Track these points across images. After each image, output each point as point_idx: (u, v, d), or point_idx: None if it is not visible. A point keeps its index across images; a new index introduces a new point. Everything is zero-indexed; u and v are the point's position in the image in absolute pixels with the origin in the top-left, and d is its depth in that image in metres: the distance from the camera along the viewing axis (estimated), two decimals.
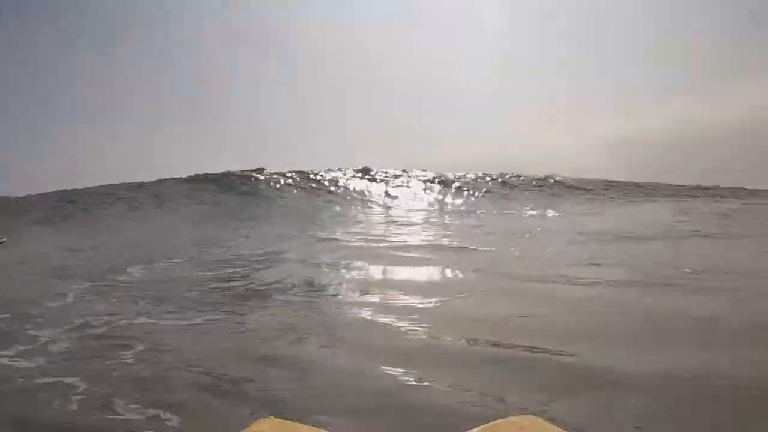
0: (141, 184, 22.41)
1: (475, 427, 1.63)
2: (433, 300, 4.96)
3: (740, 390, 2.66)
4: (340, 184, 24.01)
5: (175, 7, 76.63)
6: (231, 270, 7.15)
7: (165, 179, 23.01)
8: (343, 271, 6.93)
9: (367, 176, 25.88)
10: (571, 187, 24.60)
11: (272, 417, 1.95)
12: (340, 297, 5.41)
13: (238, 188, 21.92)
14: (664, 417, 2.41)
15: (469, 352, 3.54)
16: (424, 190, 24.59)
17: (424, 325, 4.10)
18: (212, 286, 6.14)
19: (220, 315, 4.77)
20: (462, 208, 20.23)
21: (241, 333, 4.20)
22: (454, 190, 23.94)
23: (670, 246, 8.42)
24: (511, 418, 1.56)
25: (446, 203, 21.77)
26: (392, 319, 4.29)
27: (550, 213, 16.68)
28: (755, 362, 3.04)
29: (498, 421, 1.57)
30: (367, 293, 5.44)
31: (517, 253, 7.95)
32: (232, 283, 6.24)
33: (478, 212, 18.02)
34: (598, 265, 6.71)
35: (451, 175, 26.30)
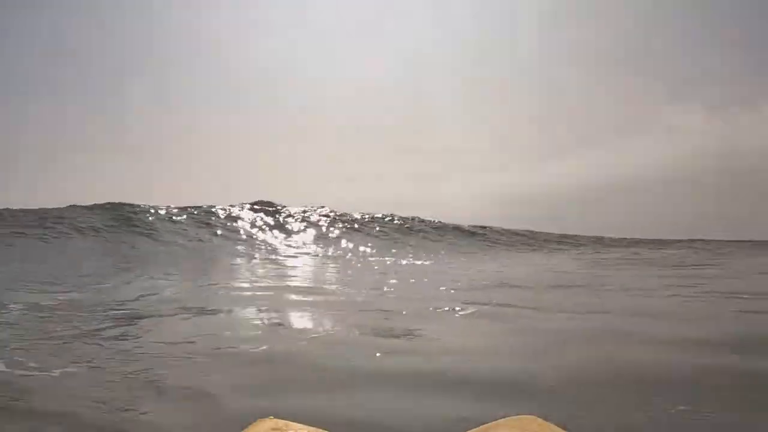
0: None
1: (476, 427, 1.74)
2: None
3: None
4: (237, 221, 24.58)
5: None
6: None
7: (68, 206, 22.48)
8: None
9: (266, 211, 26.27)
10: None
11: (272, 417, 1.99)
12: None
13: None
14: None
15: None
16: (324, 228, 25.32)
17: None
18: None
19: None
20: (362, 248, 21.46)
21: None
22: (356, 230, 25.17)
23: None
24: (511, 418, 1.66)
25: (346, 244, 22.79)
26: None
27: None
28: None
29: (498, 420, 1.67)
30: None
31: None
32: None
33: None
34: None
35: (357, 215, 27.39)
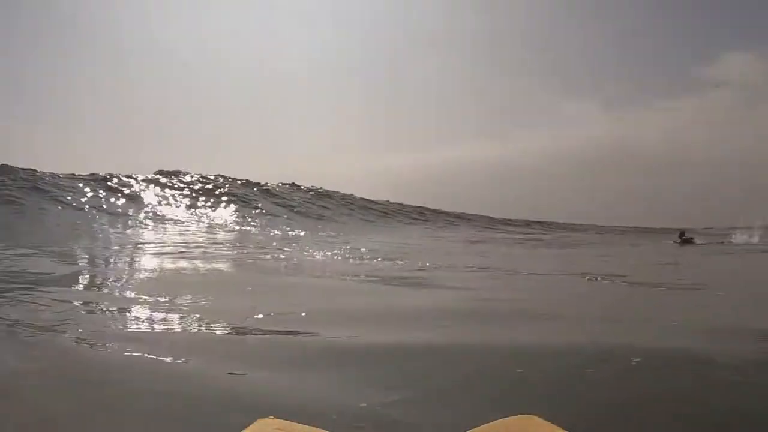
0: None
1: (475, 427, 1.88)
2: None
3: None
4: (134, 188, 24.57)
5: None
6: None
7: None
8: None
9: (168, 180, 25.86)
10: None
11: (272, 417, 2.02)
12: None
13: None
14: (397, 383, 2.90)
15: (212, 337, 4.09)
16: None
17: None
18: None
19: None
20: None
21: None
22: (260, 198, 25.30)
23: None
24: (511, 418, 1.80)
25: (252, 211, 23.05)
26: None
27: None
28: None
29: (498, 420, 1.82)
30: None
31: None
32: None
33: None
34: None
35: (263, 183, 27.91)
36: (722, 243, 19.87)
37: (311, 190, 29.14)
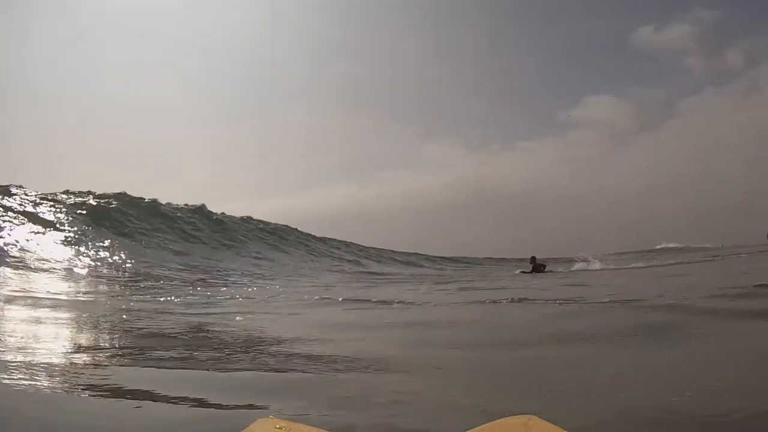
0: None
1: (475, 426, 2.00)
2: None
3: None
4: None
5: None
6: None
7: None
8: None
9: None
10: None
11: (272, 417, 2.02)
12: None
13: None
14: None
15: None
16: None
17: None
18: None
19: None
20: None
21: None
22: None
23: None
24: (511, 418, 1.94)
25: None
26: None
27: None
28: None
29: (498, 420, 1.95)
30: None
31: None
32: None
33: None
34: None
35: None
36: (571, 270, 21.64)
37: None
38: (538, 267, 20.23)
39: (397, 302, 9.15)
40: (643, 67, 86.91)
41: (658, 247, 41.84)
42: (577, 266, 22.18)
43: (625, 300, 7.35)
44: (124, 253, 18.70)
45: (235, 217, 29.76)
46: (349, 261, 29.55)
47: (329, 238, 33.93)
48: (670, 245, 41.19)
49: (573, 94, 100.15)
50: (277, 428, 1.95)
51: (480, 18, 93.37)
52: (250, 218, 30.80)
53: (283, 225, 32.49)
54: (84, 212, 22.42)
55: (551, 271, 20.08)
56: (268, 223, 31.63)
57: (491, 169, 77.57)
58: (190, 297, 10.55)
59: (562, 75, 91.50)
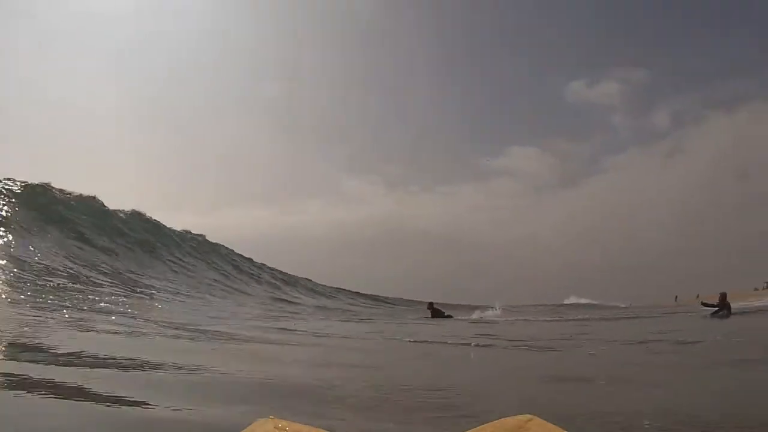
0: None
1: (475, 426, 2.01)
2: None
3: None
4: None
5: None
6: None
7: None
8: None
9: None
10: None
11: (272, 417, 1.98)
12: None
13: None
14: None
15: None
16: None
17: None
18: None
19: None
20: None
21: None
22: None
23: None
24: (511, 418, 1.98)
25: None
26: None
27: None
28: None
29: (498, 420, 1.98)
30: None
31: None
32: None
33: None
34: None
35: None
36: (472, 316, 22.54)
37: None
38: (436, 312, 20.63)
39: None
40: (571, 121, 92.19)
41: (566, 302, 43.73)
42: (479, 314, 22.99)
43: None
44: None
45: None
46: (263, 284, 29.02)
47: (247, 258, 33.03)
48: (582, 300, 43.24)
49: (498, 143, 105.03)
50: (277, 428, 1.92)
51: (417, 54, 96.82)
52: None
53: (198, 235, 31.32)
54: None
55: (449, 317, 20.62)
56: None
57: (409, 210, 79.40)
58: None
59: (490, 122, 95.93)
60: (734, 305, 19.09)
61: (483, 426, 1.98)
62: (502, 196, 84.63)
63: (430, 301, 22.69)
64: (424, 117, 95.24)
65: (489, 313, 23.16)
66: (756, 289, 46.52)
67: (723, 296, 16.10)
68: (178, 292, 17.91)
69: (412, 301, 37.01)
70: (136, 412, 3.23)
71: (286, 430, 1.91)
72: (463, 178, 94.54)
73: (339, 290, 36.62)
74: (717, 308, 16.12)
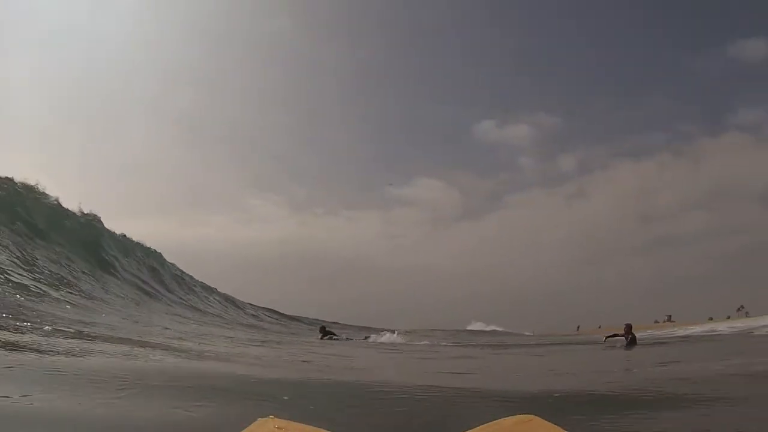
0: None
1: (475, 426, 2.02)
2: None
3: None
4: None
5: None
6: None
7: None
8: None
9: None
10: None
11: (272, 417, 1.92)
12: None
13: None
14: None
15: None
16: None
17: None
18: None
19: None
20: None
21: None
22: None
23: None
24: (511, 418, 2.01)
25: None
26: None
27: None
28: None
29: (498, 420, 2.00)
30: None
31: None
32: None
33: None
34: None
35: None
36: (365, 338, 23.15)
37: None
38: (327, 333, 21.61)
39: None
40: (478, 158, 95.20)
41: (470, 327, 45.01)
42: (374, 338, 23.62)
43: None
44: None
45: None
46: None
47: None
48: (487, 327, 44.61)
49: (405, 173, 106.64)
50: (277, 428, 1.90)
51: (332, 78, 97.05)
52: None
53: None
54: None
55: (337, 338, 21.37)
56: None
57: (313, 232, 79.26)
58: None
59: (399, 152, 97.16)
60: (637, 334, 20.33)
61: (483, 426, 2.01)
62: (406, 225, 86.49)
63: (322, 325, 23.97)
64: (335, 140, 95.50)
65: (386, 337, 23.65)
66: (656, 322, 50.15)
67: (628, 327, 16.95)
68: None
69: (316, 319, 36.97)
70: None
71: (286, 429, 1.88)
72: (368, 204, 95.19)
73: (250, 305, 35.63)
74: (622, 336, 16.90)
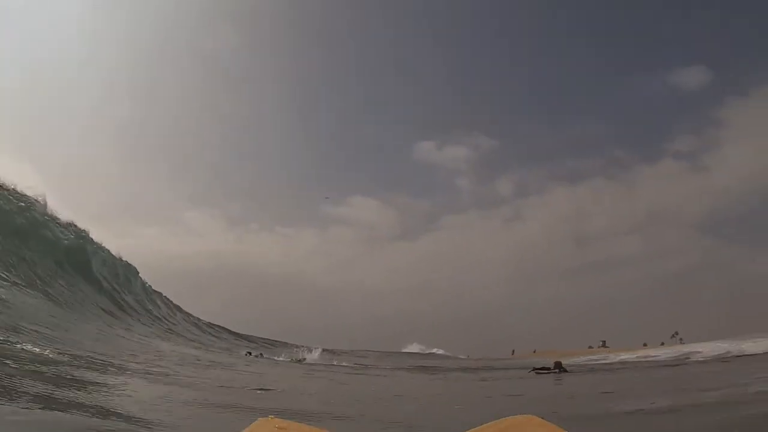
0: None
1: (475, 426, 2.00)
2: None
3: None
4: None
5: None
6: None
7: None
8: None
9: None
10: None
11: (272, 417, 1.95)
12: None
13: None
14: None
15: None
16: None
17: None
18: None
19: None
20: None
21: None
22: None
23: None
24: (511, 418, 2.00)
25: None
26: None
27: None
28: None
29: (498, 420, 1.99)
30: None
31: None
32: None
33: None
34: None
35: None
36: (295, 357, 23.78)
37: None
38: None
39: None
40: (416, 178, 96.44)
41: (407, 350, 45.26)
42: (285, 356, 24.26)
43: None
44: None
45: None
46: None
47: None
48: (426, 350, 44.91)
49: (342, 191, 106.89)
50: (278, 428, 1.89)
51: (271, 90, 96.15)
52: None
53: None
54: None
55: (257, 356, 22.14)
56: None
57: (247, 248, 78.55)
58: None
59: (335, 170, 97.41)
60: (568, 361, 20.75)
61: (483, 426, 2.01)
62: (341, 243, 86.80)
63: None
64: (272, 156, 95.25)
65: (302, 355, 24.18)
66: (590, 347, 51.58)
67: (558, 364, 17.50)
68: None
69: (251, 336, 36.50)
70: None
71: (286, 429, 1.87)
72: (304, 222, 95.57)
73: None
74: (552, 370, 17.18)
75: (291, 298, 72.34)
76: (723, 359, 18.51)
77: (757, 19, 75.50)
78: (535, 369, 17.87)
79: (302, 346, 28.39)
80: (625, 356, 29.00)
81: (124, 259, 27.61)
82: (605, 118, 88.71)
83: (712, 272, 75.84)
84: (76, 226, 24.94)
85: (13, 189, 21.70)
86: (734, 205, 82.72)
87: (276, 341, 37.23)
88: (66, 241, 22.60)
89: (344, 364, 22.37)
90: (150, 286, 30.07)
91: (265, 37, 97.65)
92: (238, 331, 36.87)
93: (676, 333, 49.54)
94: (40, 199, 22.54)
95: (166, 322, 27.31)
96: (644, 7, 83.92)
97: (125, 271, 27.29)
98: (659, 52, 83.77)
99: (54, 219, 23.22)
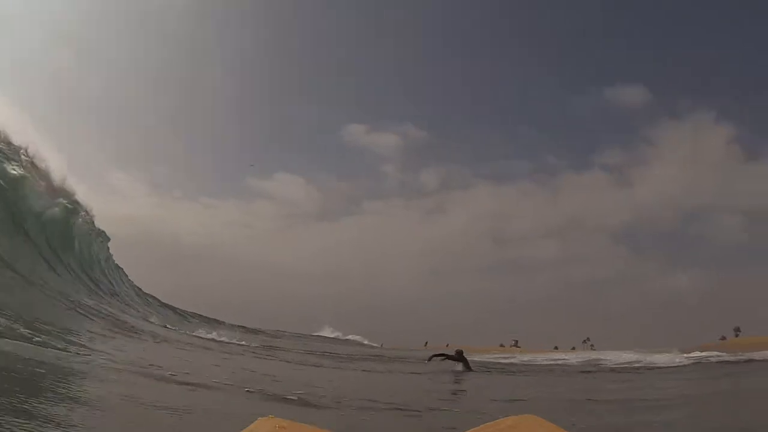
0: None
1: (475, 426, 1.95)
2: None
3: None
4: None
5: None
6: None
7: None
8: None
9: None
10: None
11: (272, 416, 1.96)
12: None
13: None
14: None
15: None
16: None
17: None
18: None
19: None
20: None
21: None
22: None
23: None
24: (511, 418, 1.97)
25: None
26: None
27: None
28: None
29: (498, 420, 1.95)
30: None
31: None
32: None
33: None
34: None
35: None
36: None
37: None
38: None
39: None
40: (342, 160, 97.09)
41: (319, 333, 45.40)
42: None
43: None
44: None
45: None
46: None
47: None
48: (338, 335, 45.00)
49: (268, 166, 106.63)
50: (278, 428, 1.88)
51: (209, 60, 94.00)
52: None
53: None
54: None
55: None
56: None
57: (166, 214, 76.87)
58: None
59: (263, 145, 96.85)
60: (477, 358, 20.95)
61: (483, 426, 1.99)
62: (263, 218, 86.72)
63: None
64: (203, 126, 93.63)
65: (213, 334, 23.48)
66: (502, 345, 53.16)
67: (459, 353, 16.48)
68: None
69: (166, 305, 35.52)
70: None
71: (286, 429, 1.91)
72: (227, 194, 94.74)
73: None
74: (452, 358, 16.33)
75: (207, 269, 71.19)
76: (635, 369, 18.79)
77: (700, 47, 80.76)
78: (434, 356, 16.78)
79: (215, 320, 27.84)
80: (538, 357, 30.05)
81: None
82: (541, 125, 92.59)
83: (624, 284, 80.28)
84: None
85: None
86: (652, 220, 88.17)
87: (188, 312, 36.23)
88: None
89: (254, 345, 21.88)
90: None
91: (212, 4, 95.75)
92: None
93: (588, 339, 51.91)
94: None
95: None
96: (594, 24, 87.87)
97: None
98: (602, 69, 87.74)
99: None
